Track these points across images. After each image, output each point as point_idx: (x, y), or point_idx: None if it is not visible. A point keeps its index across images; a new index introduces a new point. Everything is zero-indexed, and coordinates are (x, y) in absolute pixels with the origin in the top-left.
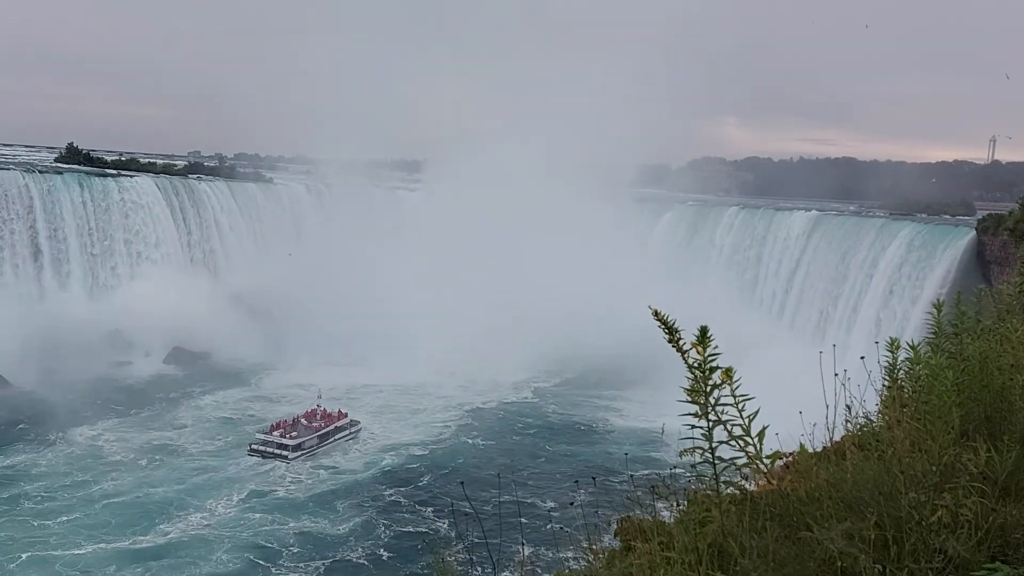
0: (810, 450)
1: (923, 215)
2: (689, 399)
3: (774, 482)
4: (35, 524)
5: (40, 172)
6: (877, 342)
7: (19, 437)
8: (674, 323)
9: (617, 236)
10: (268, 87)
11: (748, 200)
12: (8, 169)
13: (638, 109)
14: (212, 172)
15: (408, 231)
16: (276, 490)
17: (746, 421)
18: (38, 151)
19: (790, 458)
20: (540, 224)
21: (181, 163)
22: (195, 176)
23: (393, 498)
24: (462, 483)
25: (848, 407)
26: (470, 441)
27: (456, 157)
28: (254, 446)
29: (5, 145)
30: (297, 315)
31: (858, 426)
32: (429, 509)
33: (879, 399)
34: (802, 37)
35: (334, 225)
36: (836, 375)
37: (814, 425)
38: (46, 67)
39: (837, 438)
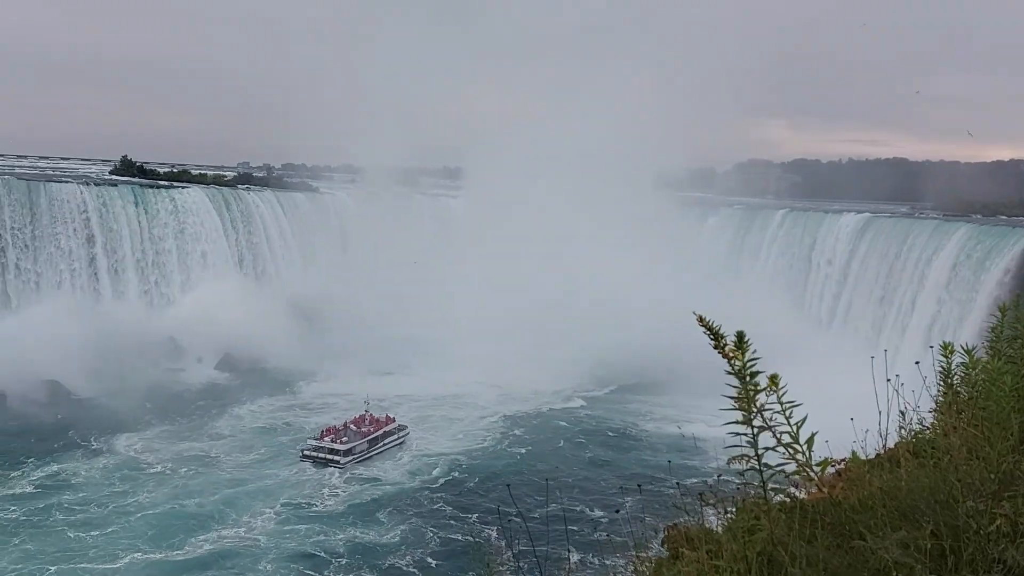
0: (862, 457)
1: (978, 216)
2: (734, 406)
3: (825, 490)
4: (70, 536)
5: (96, 184)
6: (931, 346)
7: (68, 445)
8: (719, 329)
9: (662, 240)
10: (314, 98)
11: (796, 203)
12: (66, 182)
13: (683, 112)
14: (260, 182)
15: (450, 238)
16: (319, 499)
17: (794, 428)
18: (94, 164)
19: (841, 465)
20: (583, 229)
21: (231, 174)
22: (244, 186)
23: (438, 505)
24: (508, 486)
25: (902, 413)
26: (513, 448)
27: (497, 162)
28: (306, 452)
29: (62, 158)
30: (342, 322)
31: (912, 433)
32: (474, 516)
33: (934, 405)
34: (851, 35)
35: (379, 233)
36: (888, 380)
37: (866, 431)
38: (100, 81)
39: (890, 445)
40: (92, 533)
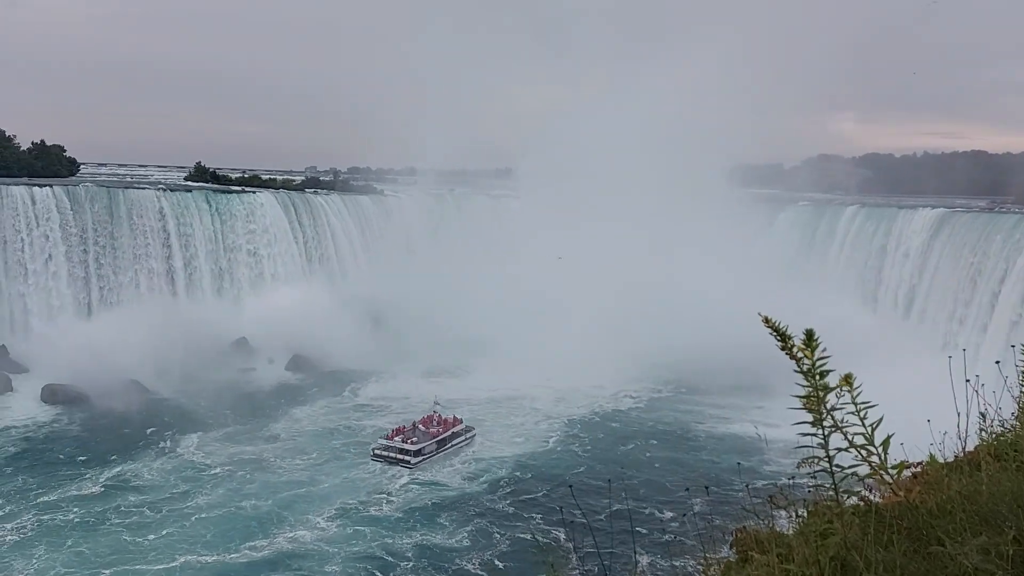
0: (940, 460)
1: None
2: (804, 407)
3: (901, 493)
4: (125, 538)
5: (172, 190)
6: (1013, 346)
7: (140, 445)
8: (786, 329)
9: (729, 238)
10: (377, 102)
11: (868, 198)
12: (144, 188)
13: (750, 106)
14: (327, 186)
15: (511, 238)
16: (383, 501)
17: (868, 429)
18: (170, 170)
19: (918, 468)
20: (645, 227)
21: (299, 178)
22: (312, 190)
23: (502, 507)
24: (571, 486)
25: (982, 415)
26: (575, 450)
27: (558, 161)
28: (376, 451)
29: (140, 166)
30: (405, 323)
31: (994, 435)
32: (539, 517)
33: (1017, 406)
34: (925, 23)
35: (442, 234)
36: (968, 381)
37: (944, 434)
38: (175, 91)
39: (970, 447)
40: (148, 536)
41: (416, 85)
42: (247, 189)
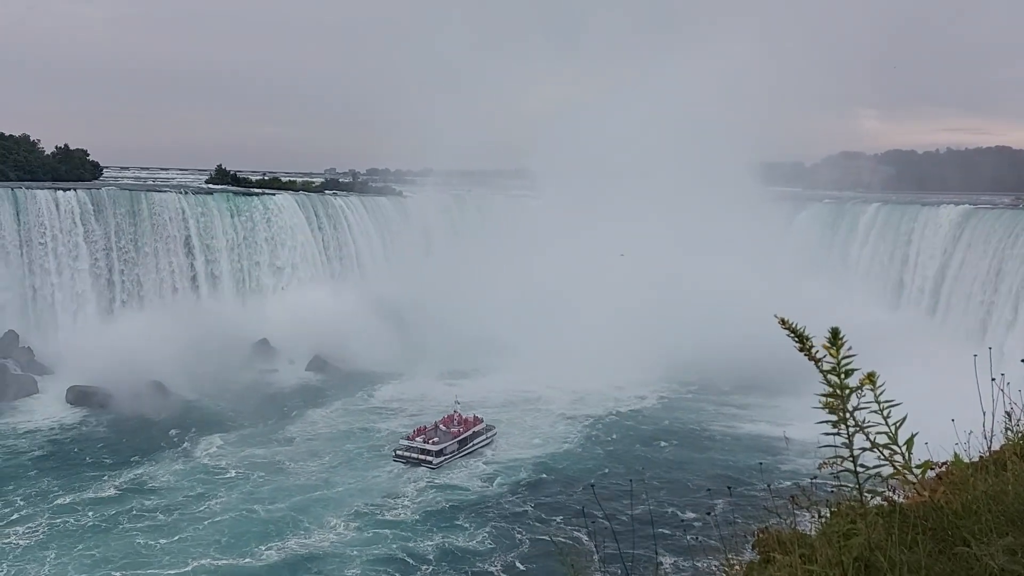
0: (966, 459)
1: None
2: (825, 406)
3: (925, 493)
4: (138, 542)
5: (193, 193)
6: None
7: (159, 447)
8: (803, 330)
9: (748, 236)
10: (395, 104)
11: (891, 195)
12: (165, 191)
13: (770, 103)
14: (346, 188)
15: (530, 238)
16: (402, 503)
17: (892, 428)
18: (191, 173)
19: (943, 468)
20: (665, 225)
21: (318, 180)
22: (331, 192)
23: (522, 509)
24: (592, 485)
25: (1008, 414)
26: (595, 450)
27: (575, 160)
28: (398, 452)
29: (162, 169)
30: (424, 323)
31: (1020, 434)
32: (559, 519)
33: None
34: (947, 19)
35: (461, 235)
36: (993, 379)
37: (969, 433)
38: (196, 94)
39: (996, 447)
40: (161, 540)
41: (433, 85)
42: (267, 191)
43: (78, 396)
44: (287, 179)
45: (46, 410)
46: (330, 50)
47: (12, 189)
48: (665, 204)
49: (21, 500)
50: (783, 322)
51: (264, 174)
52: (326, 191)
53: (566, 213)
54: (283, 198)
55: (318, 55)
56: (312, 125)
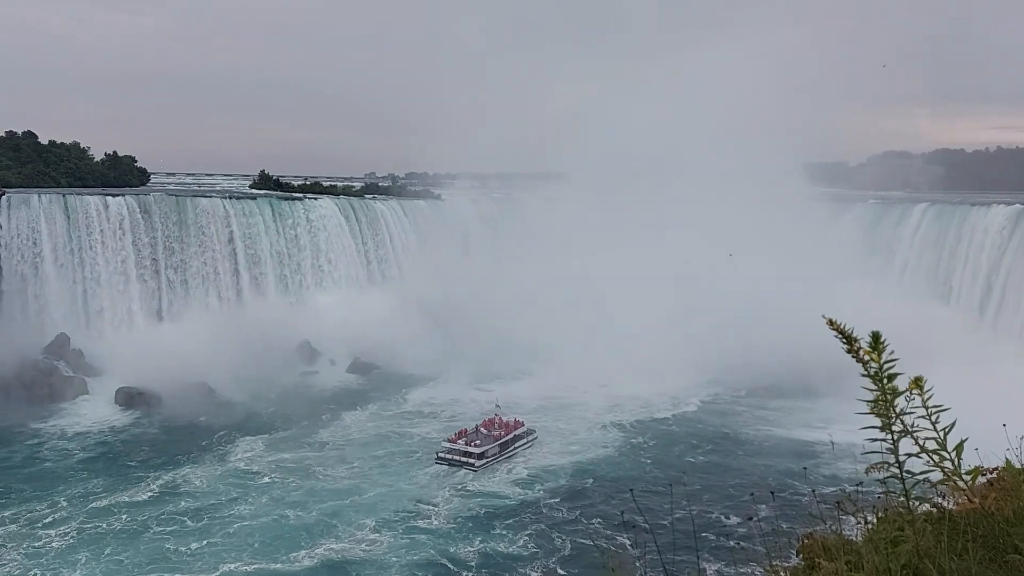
0: (1017, 465)
1: None
2: (872, 410)
3: (975, 500)
4: (167, 547)
5: (237, 198)
6: None
7: (200, 449)
8: (851, 331)
9: (792, 237)
10: (434, 109)
11: (938, 196)
12: (211, 196)
13: (811, 102)
14: (386, 191)
15: (569, 241)
16: (438, 508)
17: (940, 434)
18: (235, 178)
19: (994, 474)
20: (705, 227)
21: (358, 184)
22: (371, 196)
23: (561, 513)
24: (631, 490)
25: None
26: (634, 455)
27: (616, 163)
28: (440, 454)
29: (207, 174)
30: (463, 326)
31: None
32: (599, 523)
33: None
34: (998, 12)
35: (498, 237)
36: None
37: (1021, 439)
38: (241, 101)
39: None
40: (191, 545)
41: (469, 88)
42: (309, 196)
43: (126, 397)
44: (328, 183)
45: (96, 411)
46: (370, 56)
47: (63, 195)
48: (705, 203)
49: (64, 501)
50: (831, 322)
51: (306, 179)
52: (366, 195)
53: (603, 214)
54: (324, 202)
55: (358, 62)
56: (353, 130)
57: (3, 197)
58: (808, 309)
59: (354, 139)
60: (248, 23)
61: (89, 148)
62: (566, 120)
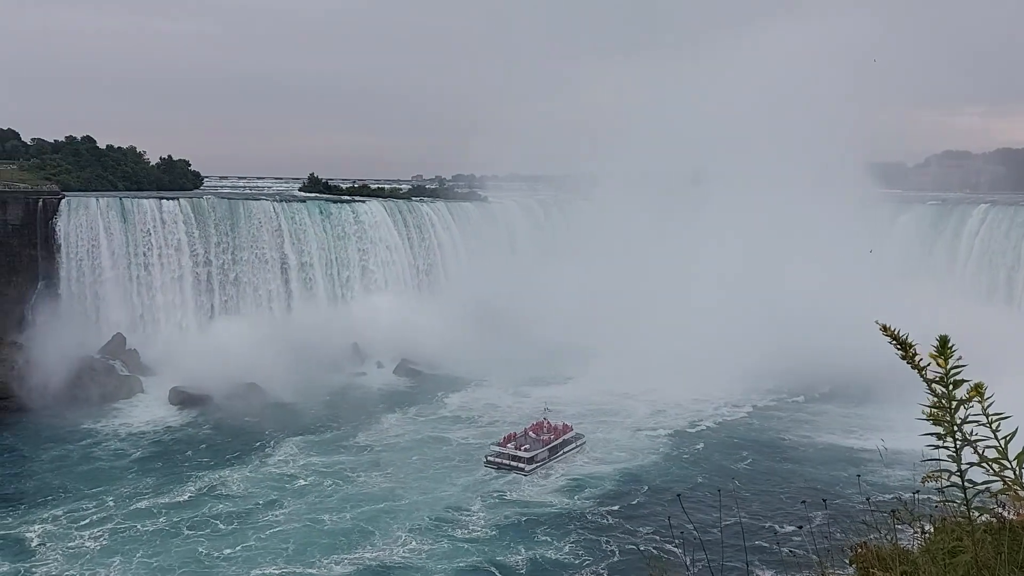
0: None
1: None
2: (930, 418)
3: None
4: (200, 550)
5: (287, 201)
6: None
7: (244, 450)
8: (906, 338)
9: (846, 240)
10: (480, 110)
11: (1000, 196)
12: (261, 199)
13: (868, 100)
14: (432, 193)
15: (615, 242)
16: (477, 515)
17: (1001, 442)
18: (285, 182)
19: None
20: (756, 228)
21: (405, 187)
22: (418, 198)
23: (608, 520)
24: (679, 495)
25: None
26: (681, 461)
27: (665, 165)
28: (489, 458)
29: (258, 178)
30: (508, 329)
31: None
32: (648, 529)
33: None
34: None
35: (544, 239)
36: None
37: None
38: (290, 105)
39: None
40: (224, 549)
41: (517, 91)
42: (357, 198)
43: (179, 397)
44: (376, 186)
45: (149, 411)
46: (416, 60)
47: (120, 198)
48: (757, 204)
49: (112, 501)
50: (885, 328)
51: (354, 182)
52: (413, 197)
53: (650, 214)
54: (372, 205)
55: (408, 65)
56: (400, 133)
57: (63, 201)
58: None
59: (401, 141)
60: (295, 28)
61: (145, 152)
62: (613, 119)
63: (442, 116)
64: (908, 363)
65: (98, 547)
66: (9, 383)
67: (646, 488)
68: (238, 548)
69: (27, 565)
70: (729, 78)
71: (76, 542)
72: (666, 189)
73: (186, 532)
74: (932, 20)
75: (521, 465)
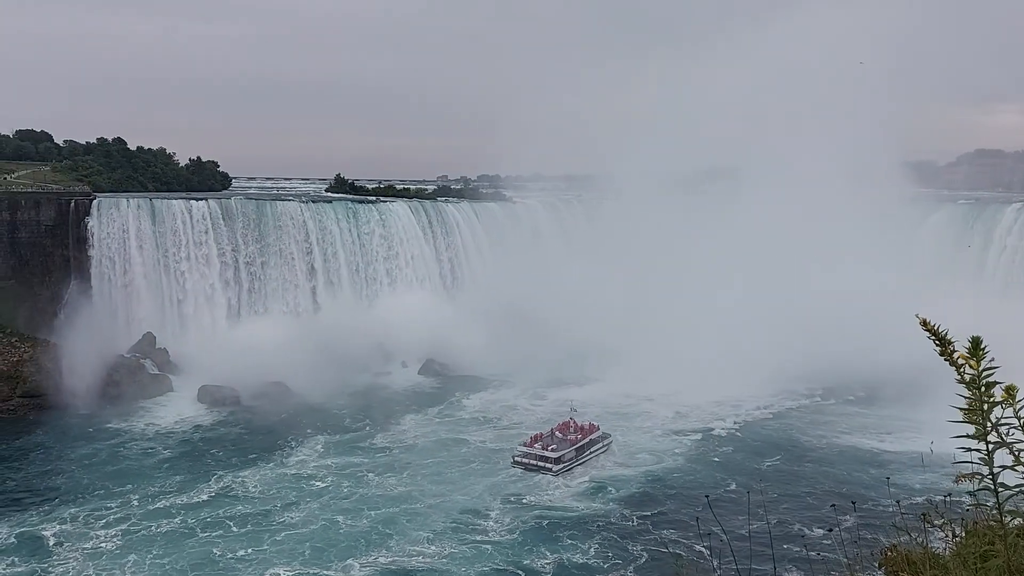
0: None
1: None
2: (965, 419)
3: None
4: (214, 552)
5: (314, 202)
6: None
7: (268, 448)
8: (946, 333)
9: (876, 239)
10: (504, 112)
11: None
12: (288, 200)
13: (898, 99)
14: (457, 194)
15: (642, 244)
16: (499, 517)
17: None
18: (312, 182)
19: None
20: (784, 227)
21: (431, 187)
22: (443, 199)
23: (634, 523)
24: (707, 497)
25: None
26: (708, 462)
27: (686, 157)
28: (516, 458)
29: (285, 179)
30: (532, 330)
31: None
32: (674, 532)
33: None
34: None
35: (569, 240)
36: None
37: None
38: (316, 107)
39: None
40: (239, 552)
41: (542, 91)
42: (383, 199)
43: (208, 396)
44: (401, 187)
45: (179, 409)
46: (441, 61)
47: (150, 199)
48: (785, 202)
49: (136, 500)
50: (924, 323)
51: (380, 182)
52: (438, 198)
53: (675, 215)
54: (398, 206)
55: (432, 68)
56: (426, 134)
57: (94, 201)
58: (891, 314)
59: (427, 142)
60: (321, 31)
61: (175, 154)
62: (638, 117)
63: (467, 117)
64: (946, 359)
65: (115, 547)
66: (41, 381)
67: (672, 491)
68: (250, 550)
69: (44, 565)
70: (755, 72)
71: (98, 543)
72: (692, 188)
73: (206, 532)
74: (965, 16)
75: (549, 465)
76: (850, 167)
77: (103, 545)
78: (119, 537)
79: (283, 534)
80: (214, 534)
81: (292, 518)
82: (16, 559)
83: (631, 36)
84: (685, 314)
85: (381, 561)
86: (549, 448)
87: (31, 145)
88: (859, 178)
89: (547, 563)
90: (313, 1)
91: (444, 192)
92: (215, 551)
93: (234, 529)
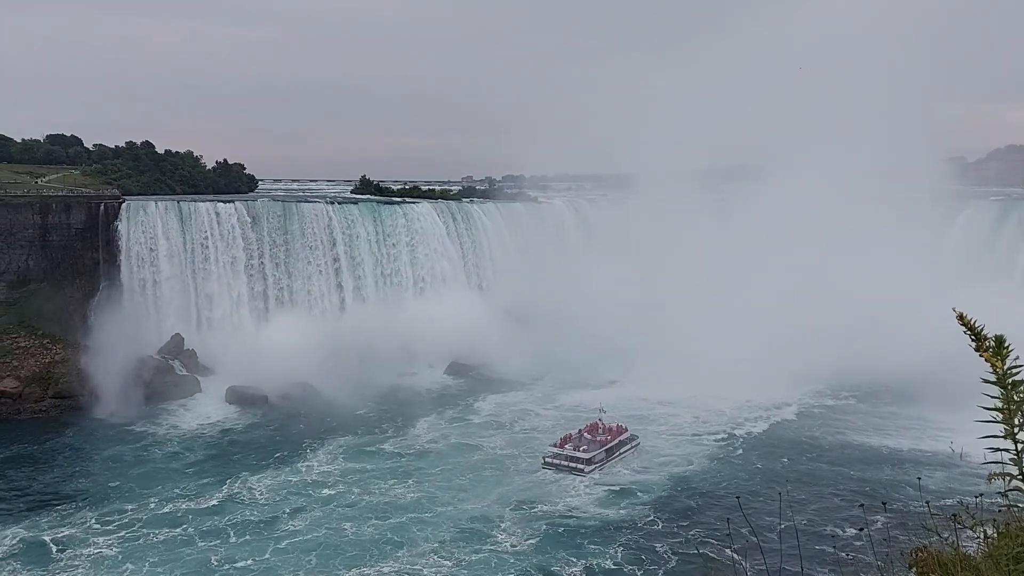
0: None
1: None
2: (994, 418)
3: None
4: (212, 561)
5: (339, 203)
6: None
7: (289, 451)
8: (982, 329)
9: (905, 237)
10: (529, 113)
11: None
12: (314, 201)
13: (927, 95)
14: (483, 195)
15: (669, 244)
16: (528, 521)
17: None
18: (337, 184)
19: None
20: (809, 226)
21: (456, 188)
22: (468, 199)
23: (662, 525)
24: (737, 498)
25: None
26: (733, 463)
27: (711, 158)
28: (547, 459)
29: (311, 180)
30: (557, 330)
31: None
32: (703, 533)
33: None
34: None
35: (594, 241)
36: None
37: None
38: (342, 109)
39: None
40: (238, 563)
41: (567, 91)
42: (408, 200)
43: (236, 396)
44: (426, 188)
45: (207, 409)
46: (466, 62)
47: (178, 202)
48: (813, 201)
49: (154, 503)
50: (961, 317)
51: (405, 183)
52: (463, 198)
53: (701, 214)
54: (423, 206)
55: (458, 68)
56: (451, 134)
57: (123, 204)
58: (920, 314)
59: (452, 143)
60: (346, 34)
61: (201, 156)
62: (664, 115)
63: (492, 117)
64: (981, 355)
65: (117, 553)
66: (72, 383)
67: (701, 491)
68: (250, 561)
69: (43, 572)
70: (780, 67)
71: (102, 550)
72: (716, 187)
73: (207, 541)
74: (995, 10)
75: (580, 466)
76: (878, 164)
77: (109, 552)
78: (117, 544)
79: (286, 542)
80: (215, 542)
81: (302, 526)
82: (18, 565)
83: (652, 35)
84: (709, 314)
85: (385, 571)
86: (579, 449)
87: (61, 149)
88: (887, 175)
89: (574, 570)
90: (338, 4)
91: (469, 193)
92: (213, 560)
93: (233, 538)
